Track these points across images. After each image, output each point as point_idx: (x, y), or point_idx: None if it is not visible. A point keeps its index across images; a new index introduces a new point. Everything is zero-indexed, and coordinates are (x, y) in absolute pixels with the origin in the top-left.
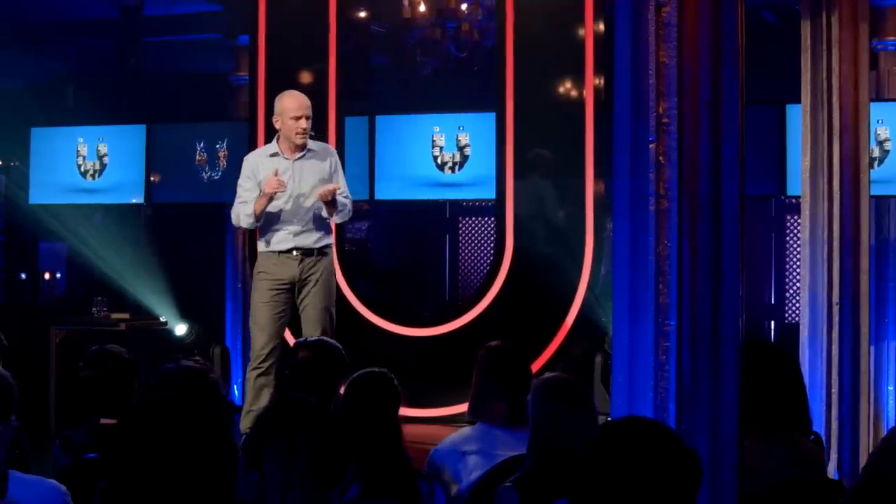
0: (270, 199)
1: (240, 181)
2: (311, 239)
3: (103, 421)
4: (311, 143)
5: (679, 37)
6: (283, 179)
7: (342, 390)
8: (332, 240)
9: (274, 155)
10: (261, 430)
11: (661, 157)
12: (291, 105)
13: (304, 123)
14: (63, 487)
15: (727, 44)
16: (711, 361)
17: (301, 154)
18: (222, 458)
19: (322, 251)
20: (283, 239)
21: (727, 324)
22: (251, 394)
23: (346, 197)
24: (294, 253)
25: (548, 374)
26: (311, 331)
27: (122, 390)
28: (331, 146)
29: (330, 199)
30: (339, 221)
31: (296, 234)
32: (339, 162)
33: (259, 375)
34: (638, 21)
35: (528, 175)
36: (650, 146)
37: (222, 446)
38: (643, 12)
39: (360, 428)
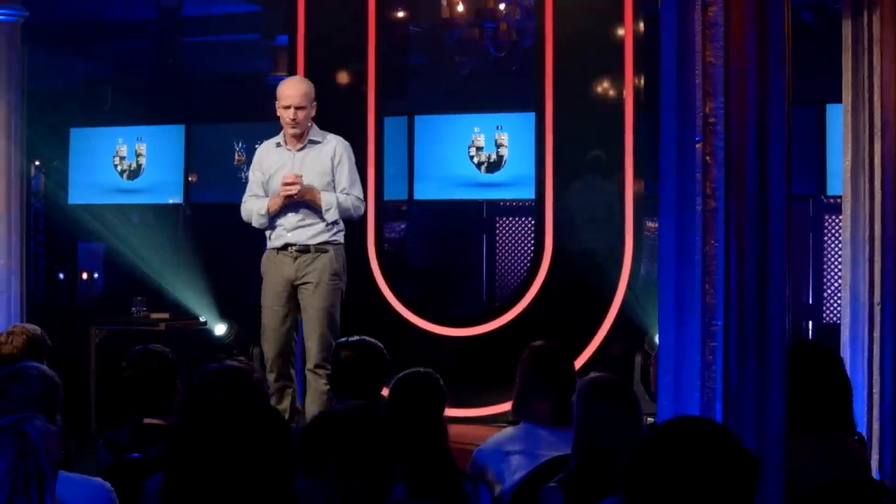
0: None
1: (250, 172)
2: (306, 234)
3: (146, 420)
4: (317, 134)
5: (725, 36)
6: (294, 182)
7: (388, 390)
8: (335, 236)
9: (279, 146)
10: (313, 441)
11: (707, 157)
12: (282, 93)
13: (291, 114)
14: (108, 485)
15: (773, 43)
16: (758, 361)
17: (303, 145)
18: (284, 459)
19: (320, 248)
20: (278, 235)
21: (774, 323)
22: (274, 398)
23: (345, 194)
24: (289, 249)
25: (593, 374)
26: (311, 332)
27: (165, 390)
28: (342, 139)
29: (301, 197)
30: (332, 219)
31: (289, 230)
32: (347, 157)
33: (277, 379)
34: (684, 21)
35: (569, 174)
36: (697, 146)
37: (284, 446)
38: (689, 12)
39: (406, 428)
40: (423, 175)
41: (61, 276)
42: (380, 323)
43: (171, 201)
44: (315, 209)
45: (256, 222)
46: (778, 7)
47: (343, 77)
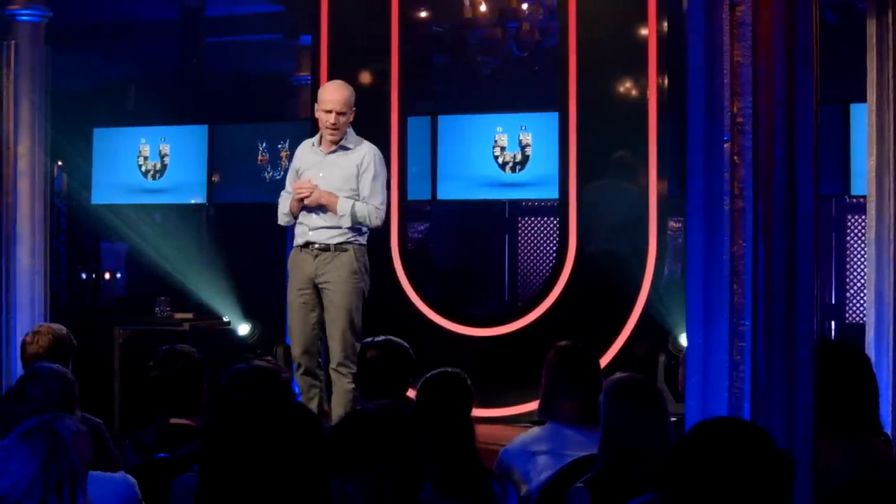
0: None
1: (288, 171)
2: (327, 234)
3: (173, 420)
4: (351, 140)
5: (754, 36)
6: (308, 185)
7: (415, 390)
8: (356, 237)
9: (314, 146)
10: (344, 440)
11: (735, 157)
12: (324, 97)
13: (332, 119)
14: (131, 478)
15: (801, 42)
16: (786, 361)
17: (334, 149)
18: (319, 458)
19: (340, 247)
20: (301, 233)
21: (802, 323)
22: (303, 397)
23: (363, 203)
24: (310, 248)
25: (620, 374)
26: (332, 331)
27: (192, 390)
28: (375, 148)
29: (316, 201)
30: (346, 225)
31: (312, 229)
32: (373, 166)
33: (303, 375)
34: (712, 20)
35: (592, 174)
36: (725, 146)
37: (320, 445)
38: (717, 12)
39: (434, 428)
40: (447, 175)
41: (83, 276)
42: (403, 323)
43: (193, 201)
44: (330, 211)
45: (281, 220)
46: (806, 6)
47: (366, 77)
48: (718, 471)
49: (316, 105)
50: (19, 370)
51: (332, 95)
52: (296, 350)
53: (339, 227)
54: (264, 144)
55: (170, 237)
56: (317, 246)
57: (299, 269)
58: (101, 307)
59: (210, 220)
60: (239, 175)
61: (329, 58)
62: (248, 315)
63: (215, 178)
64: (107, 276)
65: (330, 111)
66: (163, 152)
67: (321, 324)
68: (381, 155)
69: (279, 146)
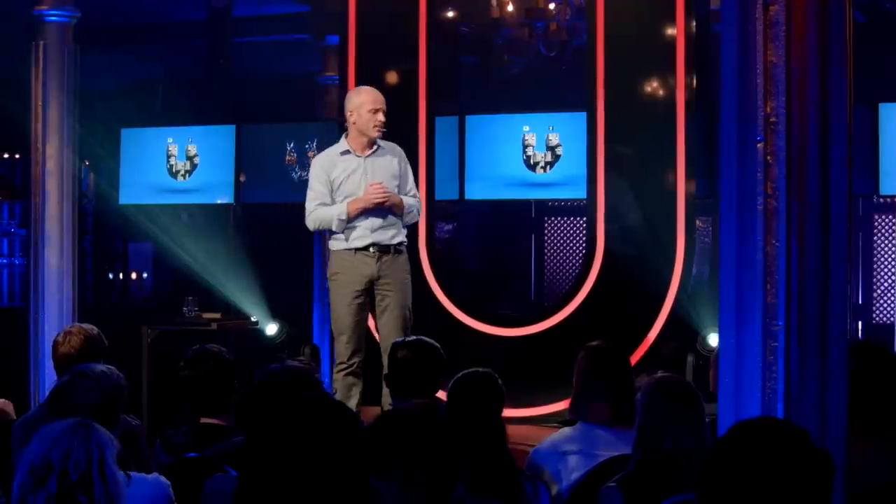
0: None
1: (311, 183)
2: (387, 235)
3: (203, 420)
4: (380, 141)
5: (787, 36)
6: (382, 188)
7: (447, 390)
8: (405, 237)
9: (345, 153)
10: (379, 440)
11: (769, 157)
12: (369, 98)
13: (381, 117)
14: (164, 479)
15: (835, 42)
16: (819, 361)
17: (372, 151)
18: (362, 457)
19: (398, 248)
20: (360, 235)
21: (835, 323)
22: (340, 394)
23: (413, 197)
24: (371, 250)
25: (659, 374)
26: (392, 332)
27: (222, 390)
28: (397, 145)
29: (390, 203)
30: (410, 222)
31: (373, 230)
32: (407, 161)
33: (346, 375)
34: (745, 20)
35: (620, 174)
36: (758, 146)
37: (361, 445)
38: (750, 11)
39: (466, 428)
40: (475, 175)
41: (110, 276)
42: (431, 323)
43: (219, 201)
44: (393, 212)
45: (337, 227)
46: (839, 5)
47: (394, 77)
48: (759, 471)
49: (352, 111)
50: (49, 369)
51: (376, 96)
52: (346, 349)
53: (396, 227)
54: (292, 144)
55: (197, 237)
56: (378, 248)
57: (356, 270)
58: (128, 307)
59: (237, 220)
60: (266, 175)
61: (357, 58)
62: (275, 315)
63: (242, 178)
64: (133, 276)
65: (377, 110)
66: (190, 152)
67: (368, 324)
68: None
69: (307, 146)
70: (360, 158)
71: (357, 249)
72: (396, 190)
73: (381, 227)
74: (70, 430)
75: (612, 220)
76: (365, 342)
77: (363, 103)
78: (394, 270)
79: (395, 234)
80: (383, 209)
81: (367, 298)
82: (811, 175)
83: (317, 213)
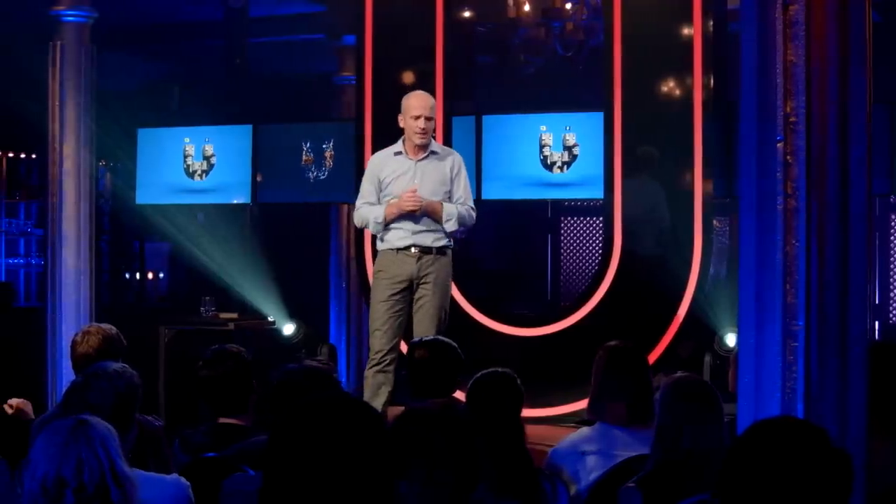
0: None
1: (363, 180)
2: (429, 238)
3: (222, 420)
4: (436, 146)
5: (807, 35)
6: (417, 197)
7: (466, 390)
8: (450, 241)
9: (398, 154)
10: (400, 440)
11: (788, 157)
12: (413, 104)
13: (422, 123)
14: (184, 480)
15: (855, 41)
16: (839, 361)
17: (424, 155)
18: (387, 456)
19: (441, 250)
20: (402, 236)
21: (855, 323)
22: (369, 391)
23: (461, 205)
24: (412, 250)
25: (679, 374)
26: (426, 330)
27: (241, 390)
28: (457, 153)
29: (422, 211)
30: (452, 229)
31: (415, 232)
32: (463, 169)
33: (378, 373)
34: (765, 19)
35: (637, 174)
36: (778, 145)
37: (387, 444)
38: (770, 11)
39: (485, 428)
40: (492, 175)
41: (126, 275)
42: (448, 323)
43: (235, 201)
44: (435, 219)
45: (373, 229)
46: (859, 5)
47: (410, 77)
48: (778, 471)
49: (401, 115)
50: (66, 369)
51: (419, 102)
52: (376, 345)
53: (439, 231)
54: (308, 144)
55: (214, 237)
56: (419, 249)
57: (396, 268)
58: (144, 307)
59: (254, 220)
60: (283, 175)
61: (373, 58)
62: (292, 315)
63: (259, 178)
64: (150, 276)
65: (419, 117)
66: (208, 152)
67: (405, 322)
68: (463, 160)
69: (323, 146)
70: (412, 161)
71: (399, 249)
72: (447, 197)
73: (423, 231)
74: (72, 435)
75: (629, 220)
76: (399, 342)
77: (408, 108)
78: (435, 270)
79: (437, 238)
80: (421, 215)
81: (405, 298)
82: (831, 175)
83: (361, 211)
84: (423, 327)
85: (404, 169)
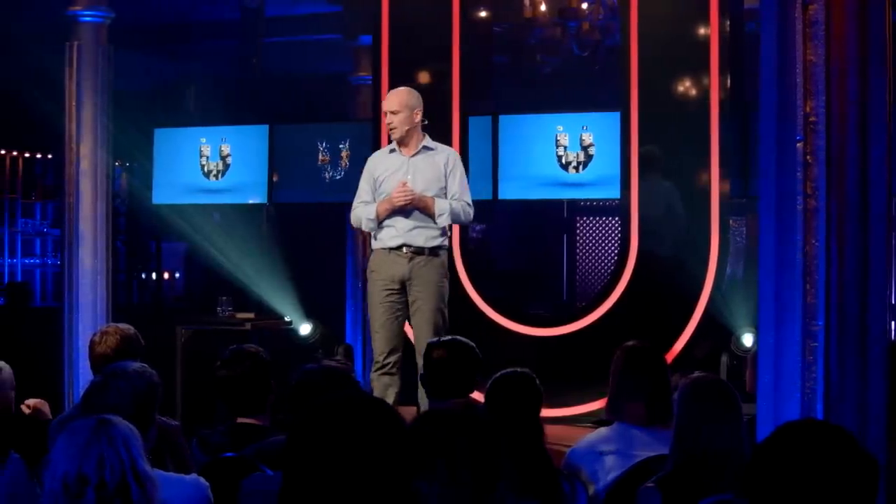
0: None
1: (360, 180)
2: (421, 237)
3: (240, 420)
4: (430, 143)
5: (827, 35)
6: (406, 190)
7: (484, 390)
8: (445, 241)
9: (392, 152)
10: (421, 440)
11: (808, 157)
12: (385, 102)
13: (387, 119)
14: (203, 480)
15: (875, 42)
16: (859, 361)
17: (416, 151)
18: (407, 456)
19: (434, 251)
20: (393, 235)
21: (875, 323)
22: (378, 394)
23: (456, 200)
24: (403, 250)
25: (697, 374)
26: (424, 334)
27: (259, 390)
28: (453, 149)
29: (413, 205)
30: (444, 224)
31: (407, 231)
32: (458, 165)
33: (382, 375)
34: (784, 19)
35: (653, 174)
36: (797, 145)
37: (406, 445)
38: (789, 11)
39: (505, 428)
40: (508, 175)
41: (143, 275)
42: (464, 323)
43: (251, 201)
44: (427, 214)
45: (366, 227)
46: (879, 4)
47: (427, 77)
48: (807, 473)
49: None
50: (83, 369)
51: (388, 98)
52: (379, 348)
53: (432, 230)
54: (324, 144)
55: (230, 237)
56: (411, 249)
57: (388, 269)
58: (161, 307)
59: (270, 220)
60: (299, 175)
61: (390, 58)
62: (308, 315)
63: (275, 178)
64: (166, 276)
65: (385, 112)
66: (224, 152)
67: (405, 321)
68: (459, 156)
69: (339, 146)
70: (405, 158)
71: (391, 249)
72: (442, 193)
73: (415, 229)
74: (94, 434)
75: (646, 220)
76: (402, 343)
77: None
78: (426, 272)
79: (431, 237)
80: (413, 211)
81: (402, 299)
82: (851, 174)
83: (356, 210)
84: (421, 332)
85: (397, 166)
